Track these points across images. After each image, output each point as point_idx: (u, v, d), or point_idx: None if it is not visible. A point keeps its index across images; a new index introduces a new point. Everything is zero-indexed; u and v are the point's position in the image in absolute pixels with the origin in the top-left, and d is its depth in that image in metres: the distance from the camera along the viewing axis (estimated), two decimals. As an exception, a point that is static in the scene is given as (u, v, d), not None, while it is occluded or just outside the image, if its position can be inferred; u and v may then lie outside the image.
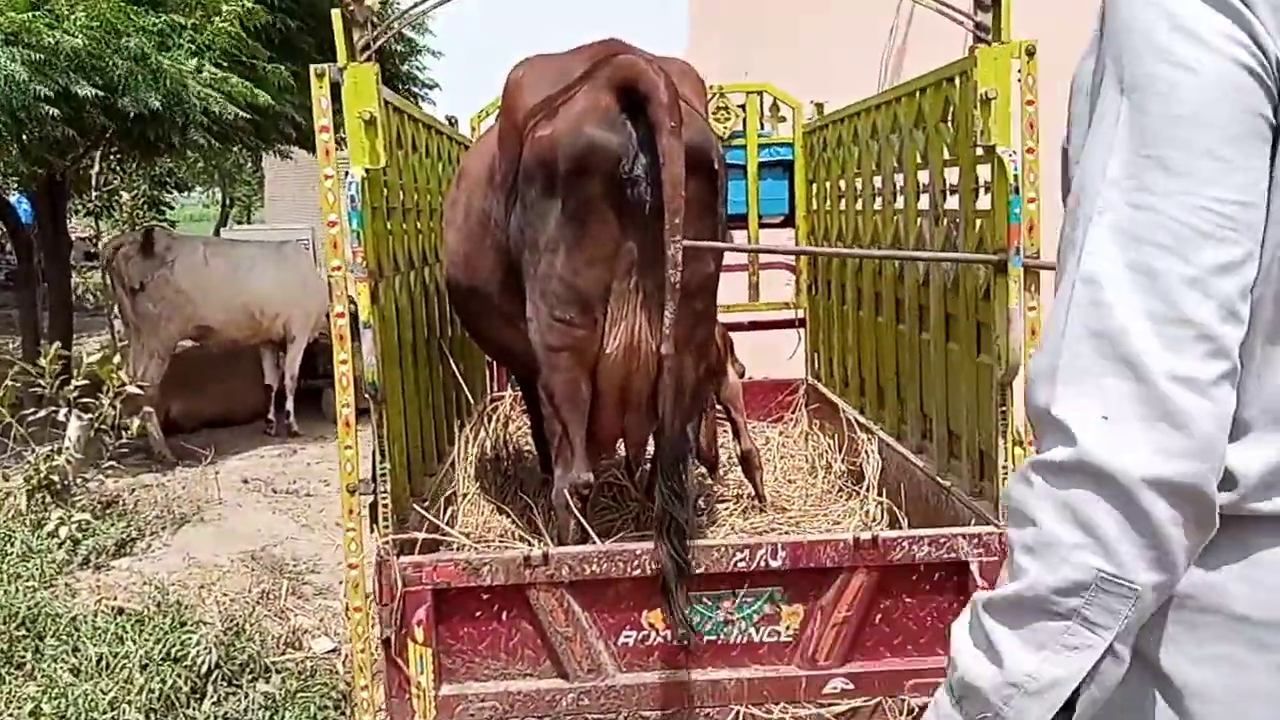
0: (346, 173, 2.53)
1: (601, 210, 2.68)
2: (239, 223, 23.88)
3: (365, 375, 2.52)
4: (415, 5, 2.71)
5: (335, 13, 2.51)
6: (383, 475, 2.62)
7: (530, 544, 3.04)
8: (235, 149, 10.31)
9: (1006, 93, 2.60)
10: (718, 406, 3.92)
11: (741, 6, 8.81)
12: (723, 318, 5.00)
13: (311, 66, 2.54)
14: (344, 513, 2.61)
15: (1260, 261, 0.93)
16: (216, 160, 16.74)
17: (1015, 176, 2.51)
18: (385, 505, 2.62)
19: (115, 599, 4.57)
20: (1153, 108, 0.92)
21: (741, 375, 4.24)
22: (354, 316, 2.54)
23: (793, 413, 4.99)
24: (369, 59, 2.55)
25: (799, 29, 8.27)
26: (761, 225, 5.12)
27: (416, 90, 10.07)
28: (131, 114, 6.02)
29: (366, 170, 2.58)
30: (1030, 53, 2.58)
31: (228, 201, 25.64)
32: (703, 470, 4.09)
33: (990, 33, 2.61)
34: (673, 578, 2.53)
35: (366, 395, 2.57)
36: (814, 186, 4.86)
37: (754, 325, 5.23)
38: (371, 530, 2.62)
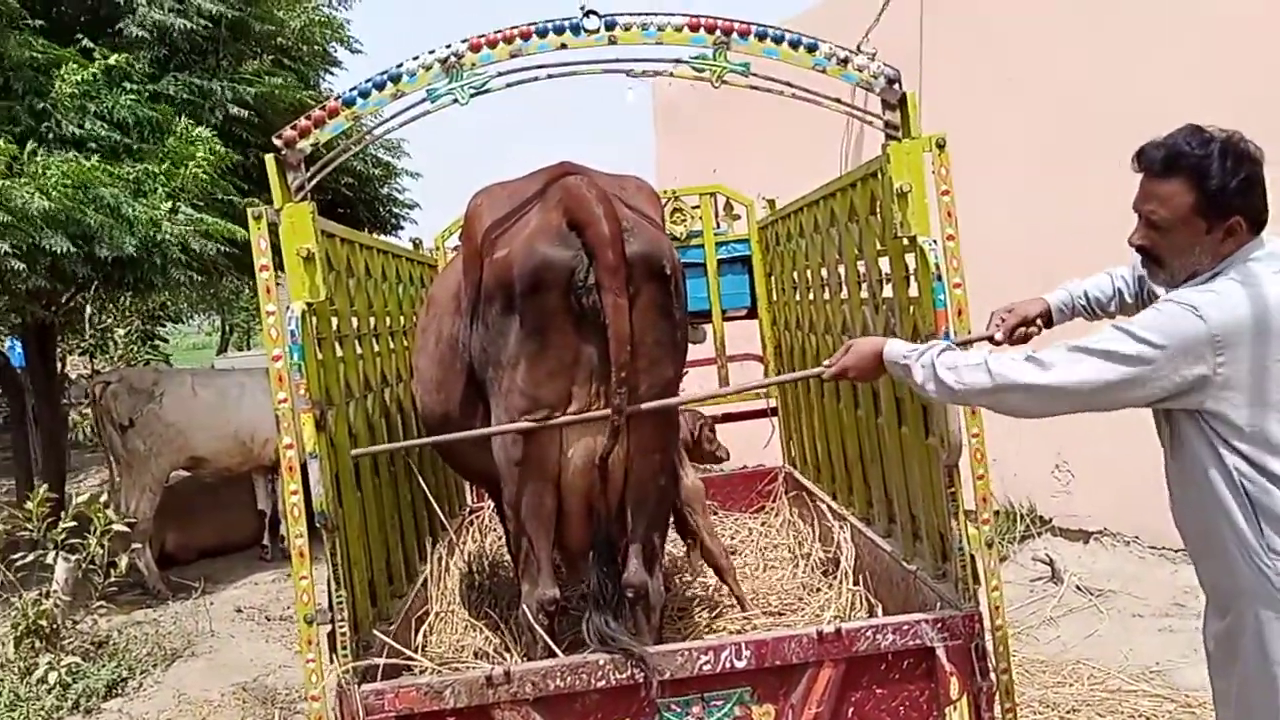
0: (288, 307, 2.60)
1: (559, 321, 2.74)
2: (238, 349, 24.10)
3: (314, 504, 2.55)
4: (343, 150, 2.84)
5: (269, 158, 2.63)
6: (339, 603, 2.62)
7: (498, 662, 3.02)
8: (224, 280, 10.47)
9: (921, 185, 2.68)
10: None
11: (701, 110, 9.07)
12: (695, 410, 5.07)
13: (248, 210, 2.64)
14: (301, 643, 2.61)
15: None
16: (214, 290, 17.00)
17: (936, 264, 2.58)
18: (343, 634, 2.62)
19: (102, 744, 4.50)
20: None
21: (726, 458, 4.33)
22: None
23: (773, 501, 4.99)
24: (304, 198, 2.65)
25: (757, 126, 8.49)
26: (726, 319, 5.19)
27: (397, 211, 10.29)
28: (109, 260, 6.17)
29: (308, 304, 2.66)
30: (941, 145, 2.67)
31: (227, 329, 25.93)
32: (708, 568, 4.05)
33: (900, 129, 2.71)
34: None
35: (318, 524, 2.59)
36: (772, 279, 4.95)
37: (727, 417, 5.26)
38: (331, 660, 2.61)
